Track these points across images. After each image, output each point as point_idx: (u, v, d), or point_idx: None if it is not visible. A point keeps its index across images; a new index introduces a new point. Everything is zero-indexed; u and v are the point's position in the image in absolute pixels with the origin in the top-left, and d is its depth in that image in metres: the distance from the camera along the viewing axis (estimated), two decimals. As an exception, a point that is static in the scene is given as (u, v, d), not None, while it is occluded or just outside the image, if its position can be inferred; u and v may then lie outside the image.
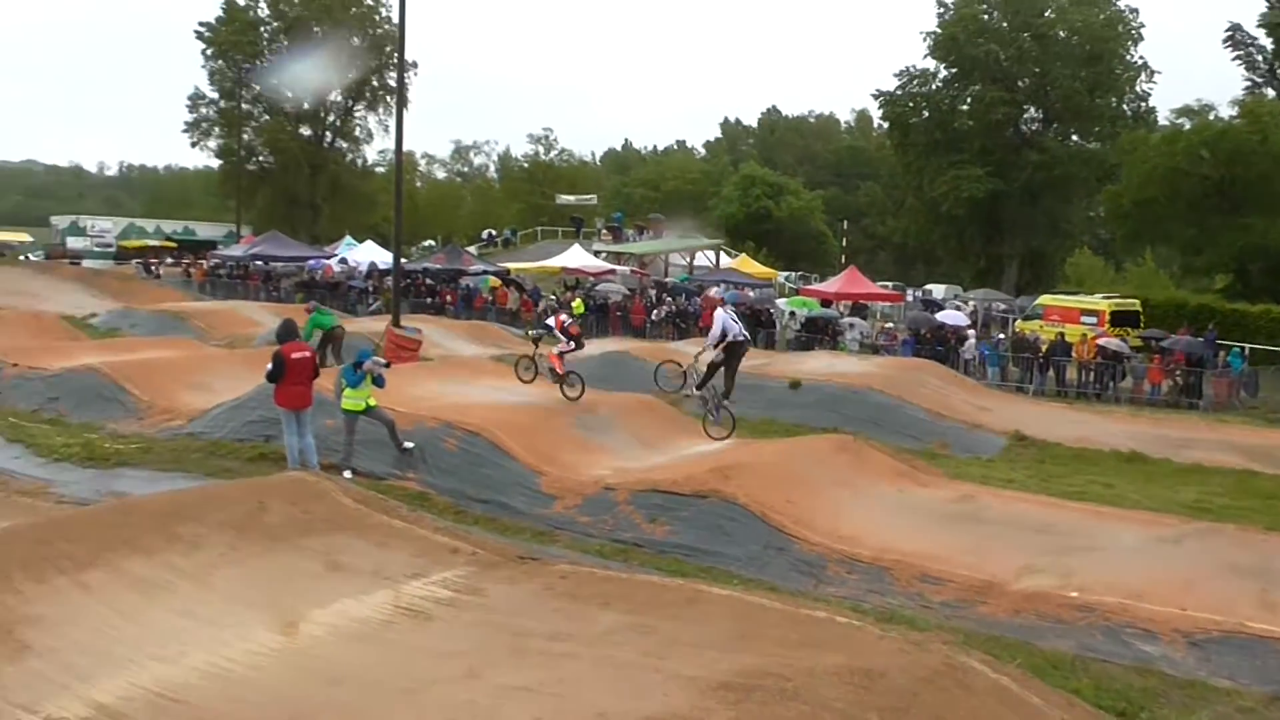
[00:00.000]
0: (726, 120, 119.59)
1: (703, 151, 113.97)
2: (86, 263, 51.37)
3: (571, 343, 15.89)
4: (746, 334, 15.06)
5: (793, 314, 37.64)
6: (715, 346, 14.36)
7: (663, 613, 7.38)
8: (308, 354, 12.94)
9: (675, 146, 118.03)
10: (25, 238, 63.12)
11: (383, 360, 13.90)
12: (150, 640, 6.66)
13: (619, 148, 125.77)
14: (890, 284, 52.53)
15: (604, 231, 59.20)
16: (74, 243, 59.83)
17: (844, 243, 70.00)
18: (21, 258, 51.61)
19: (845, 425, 17.64)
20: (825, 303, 37.33)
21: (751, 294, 40.48)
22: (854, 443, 14.78)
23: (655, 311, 36.81)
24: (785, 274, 56.74)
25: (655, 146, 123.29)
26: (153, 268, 50.63)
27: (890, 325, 35.64)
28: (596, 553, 10.57)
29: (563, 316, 16.55)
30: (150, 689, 5.98)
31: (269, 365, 12.69)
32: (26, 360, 18.19)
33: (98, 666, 6.23)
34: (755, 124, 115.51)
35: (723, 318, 14.34)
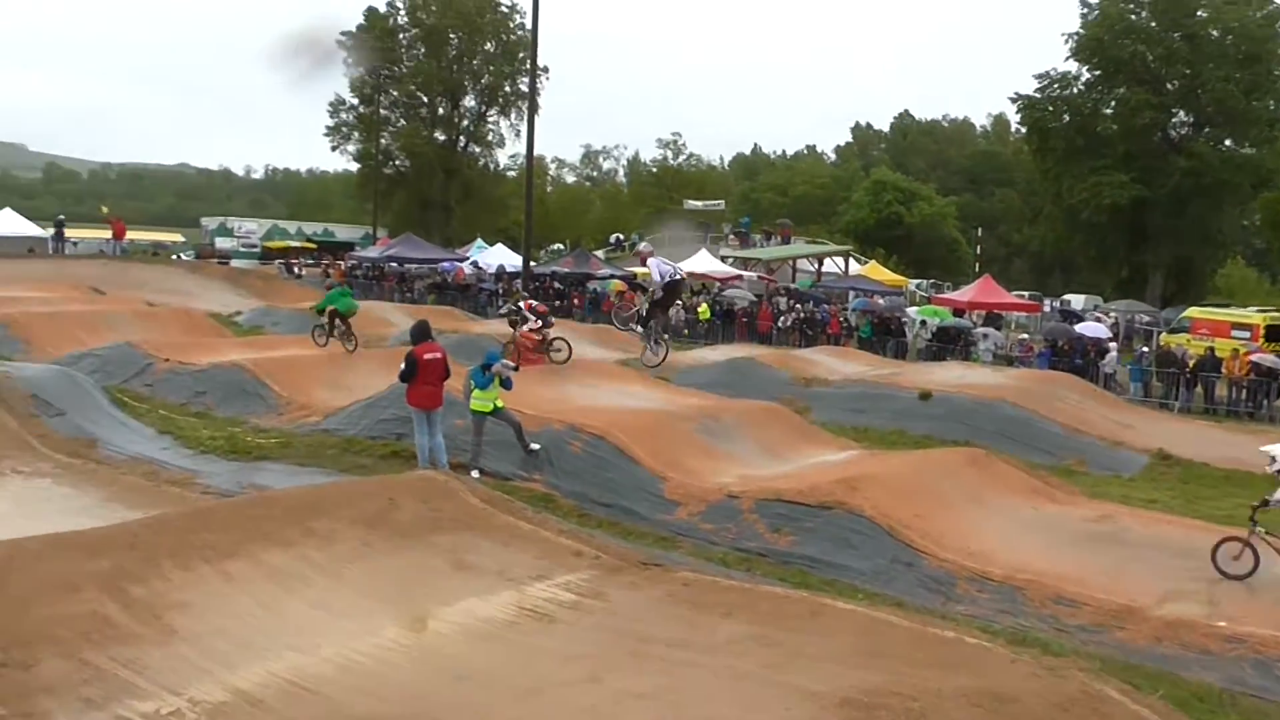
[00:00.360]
0: (858, 124, 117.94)
1: (833, 156, 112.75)
2: (234, 262, 53.53)
3: (539, 320, 18.11)
4: (681, 273, 17.85)
5: (923, 323, 36.86)
6: (656, 288, 16.82)
7: (786, 625, 7.30)
8: (439, 355, 13.16)
9: (805, 151, 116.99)
10: (178, 238, 66.22)
11: (511, 363, 14.10)
12: (286, 630, 6.88)
13: (748, 152, 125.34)
14: (1026, 293, 51.10)
15: (731, 237, 59.05)
16: (222, 243, 62.44)
17: (978, 250, 68.38)
18: (174, 257, 54.04)
19: (976, 438, 17.19)
20: (958, 312, 36.49)
21: (881, 301, 39.84)
22: (985, 457, 14.39)
23: (782, 318, 36.52)
24: (916, 282, 55.74)
25: (784, 151, 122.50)
26: (294, 268, 52.47)
27: (1026, 336, 34.54)
28: (719, 561, 10.51)
29: (531, 300, 19.21)
30: (286, 678, 6.18)
31: (402, 365, 12.98)
32: (177, 355, 18.99)
33: (237, 653, 6.46)
34: (887, 128, 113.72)
35: (656, 264, 16.89)
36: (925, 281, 57.87)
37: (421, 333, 13.50)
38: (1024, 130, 60.67)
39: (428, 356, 12.96)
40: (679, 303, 17.59)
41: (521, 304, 18.46)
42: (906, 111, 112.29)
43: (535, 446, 13.19)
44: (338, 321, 20.42)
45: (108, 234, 43.13)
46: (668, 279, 16.63)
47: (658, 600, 7.93)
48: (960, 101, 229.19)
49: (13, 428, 13.24)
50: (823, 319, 35.89)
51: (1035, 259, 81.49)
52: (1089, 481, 15.63)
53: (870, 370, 24.13)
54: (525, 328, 17.91)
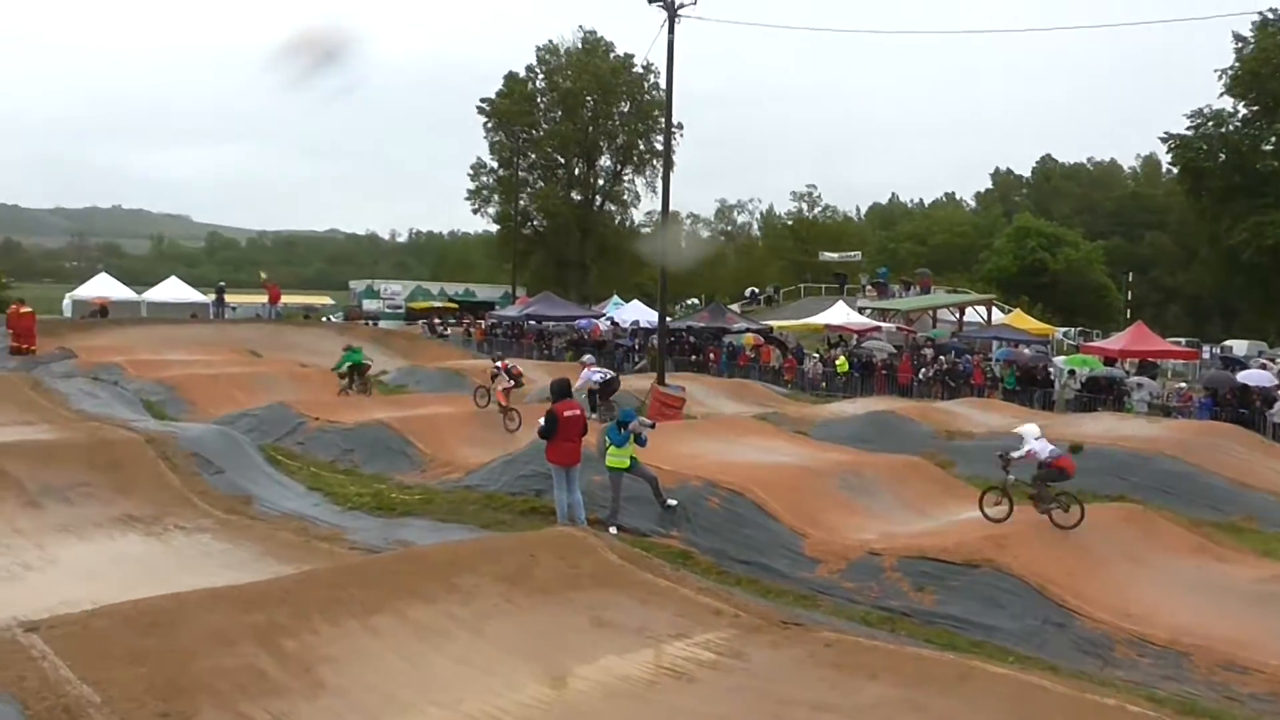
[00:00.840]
0: (997, 170, 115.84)
1: (972, 204, 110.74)
2: (381, 323, 55.33)
3: (512, 381, 20.28)
4: (611, 375, 22.11)
5: (1072, 373, 35.60)
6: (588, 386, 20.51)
7: (933, 688, 7.06)
8: (578, 412, 13.32)
9: (943, 199, 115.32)
10: (328, 301, 68.87)
11: (648, 420, 14.15)
12: (430, 685, 6.98)
13: (884, 201, 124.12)
14: (1183, 340, 48.91)
15: (869, 288, 58.35)
16: (368, 305, 64.66)
17: (1128, 296, 65.82)
18: (325, 319, 56.23)
19: (1133, 493, 16.50)
20: (1109, 360, 35.13)
21: (1026, 351, 38.67)
22: (1143, 513, 13.77)
23: (923, 370, 35.79)
24: (1063, 330, 53.98)
25: (921, 200, 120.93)
26: (437, 327, 53.96)
27: (1184, 385, 33.06)
28: (861, 620, 10.26)
29: (508, 362, 21.22)
30: (429, 734, 6.26)
31: (541, 422, 13.17)
32: (326, 415, 19.68)
33: (383, 707, 6.59)
34: (1028, 173, 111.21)
35: (586, 375, 20.93)
36: (1073, 329, 55.97)
37: (561, 390, 13.70)
38: (1176, 170, 58.43)
39: (567, 413, 13.12)
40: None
41: (499, 364, 20.79)
42: (1049, 155, 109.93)
43: (672, 503, 13.18)
44: (356, 376, 23.77)
45: (264, 298, 45.17)
46: (600, 382, 20.94)
47: (799, 661, 7.78)
48: (1105, 143, 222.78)
49: (176, 485, 13.87)
50: (965, 370, 35.03)
51: (1191, 303, 78.22)
52: (1259, 540, 14.76)
53: (1017, 422, 23.30)
54: (500, 386, 20.21)
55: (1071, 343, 49.19)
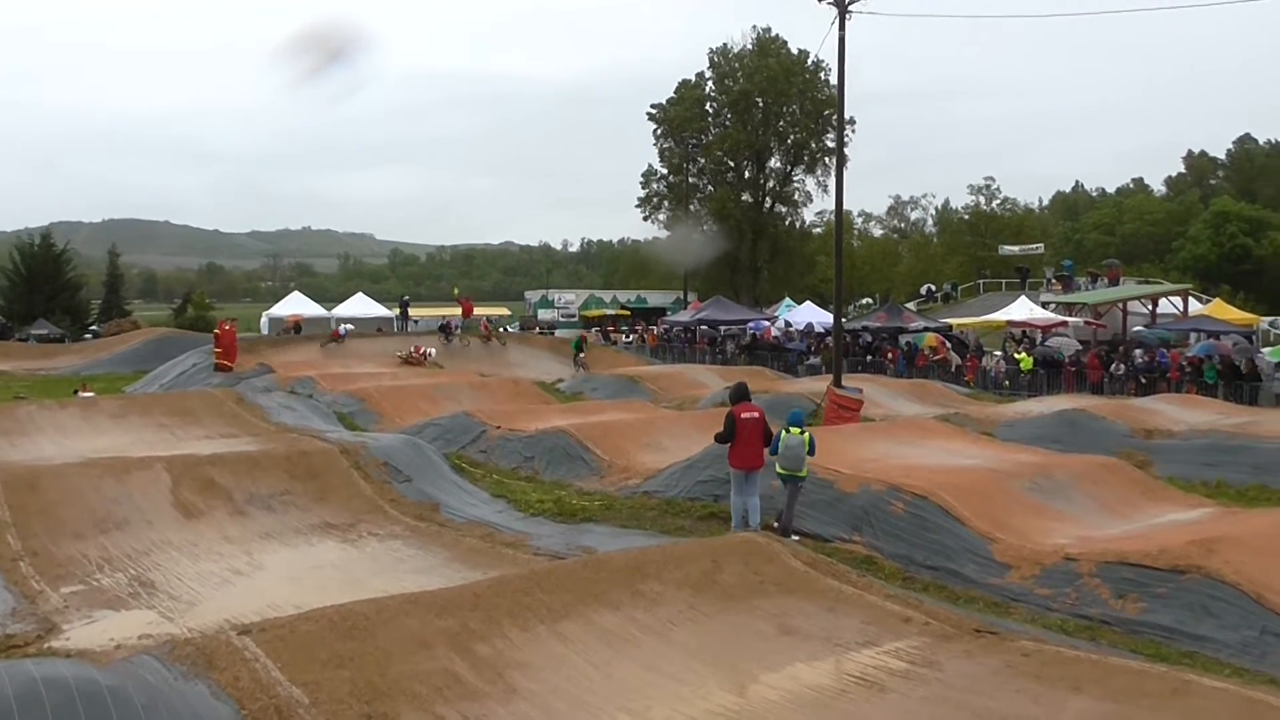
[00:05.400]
0: (1190, 153, 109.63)
1: (1163, 189, 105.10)
2: (557, 333, 56.49)
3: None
4: None
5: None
6: None
7: (1144, 703, 6.66)
8: (757, 415, 13.20)
9: (1131, 185, 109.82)
10: (505, 312, 70.77)
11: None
12: (618, 691, 7.02)
13: (1067, 190, 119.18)
14: None
15: (1053, 281, 56.06)
16: (543, 314, 66.11)
17: (1347, 280, 61.22)
18: (502, 329, 57.81)
19: (1359, 493, 15.26)
20: (1322, 350, 32.72)
21: (1228, 343, 36.38)
22: (1372, 514, 12.70)
23: (1114, 366, 34.11)
24: (1269, 319, 50.55)
25: (1104, 189, 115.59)
26: (610, 335, 54.69)
27: None
28: (1058, 628, 9.80)
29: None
30: (619, 740, 6.29)
31: (721, 427, 13.15)
32: (508, 423, 20.17)
33: (573, 713, 6.65)
34: (1224, 155, 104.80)
35: None
36: (1281, 319, 52.39)
37: (739, 394, 13.66)
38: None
39: (745, 416, 13.05)
40: None
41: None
42: (1248, 134, 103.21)
43: (796, 538, 12.38)
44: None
45: (445, 311, 46.78)
46: None
47: (995, 671, 7.47)
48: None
49: (368, 494, 14.45)
50: (1162, 365, 33.21)
51: None
52: None
53: (1220, 419, 22.02)
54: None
55: (1279, 333, 46.07)
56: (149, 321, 56.56)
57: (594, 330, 58.12)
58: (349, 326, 40.10)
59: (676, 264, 60.91)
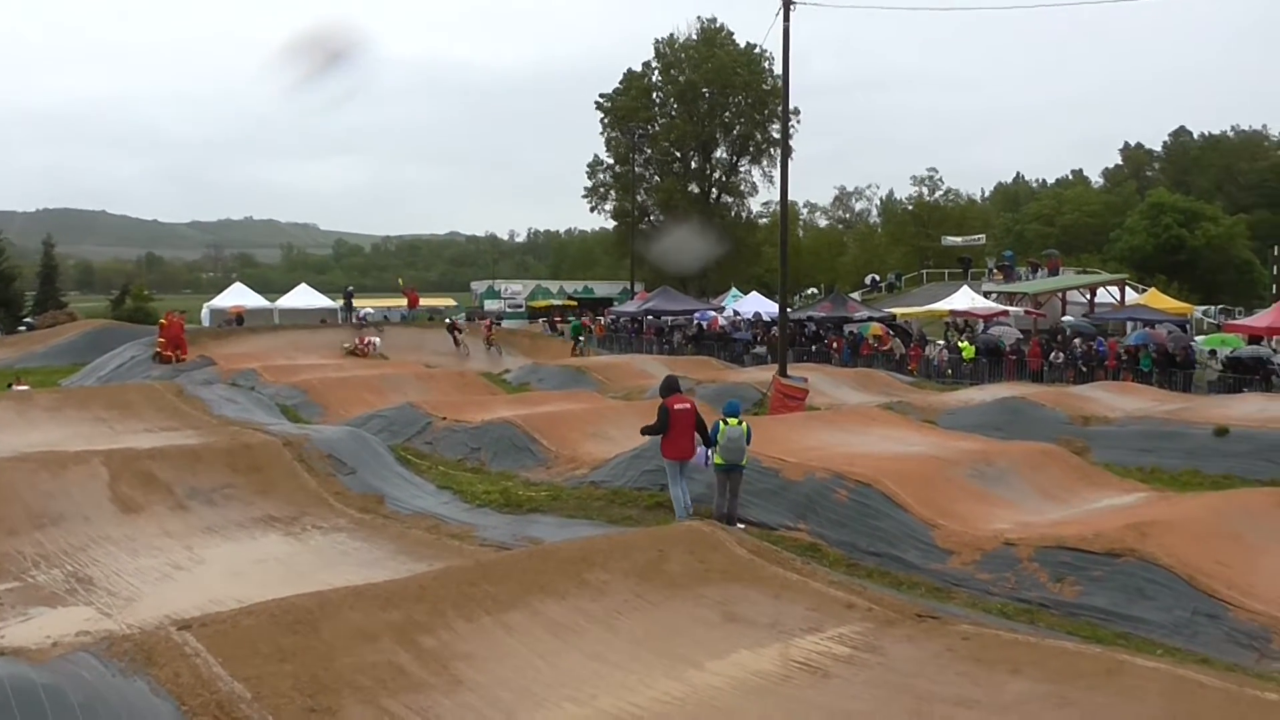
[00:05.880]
0: (1127, 145, 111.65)
1: (1101, 181, 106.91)
2: (504, 323, 56.27)
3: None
4: None
5: (1213, 353, 34.11)
6: None
7: (1080, 684, 6.80)
8: (689, 406, 13.38)
9: (1070, 177, 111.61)
10: (450, 303, 70.33)
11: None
12: (564, 681, 7.02)
13: (1009, 181, 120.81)
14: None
15: (994, 271, 56.86)
16: (490, 305, 65.76)
17: (1275, 271, 62.64)
18: (448, 320, 57.38)
19: (1286, 477, 15.67)
20: (1254, 339, 33.48)
21: (1164, 332, 37.15)
22: (1298, 497, 13.04)
23: (1054, 354, 34.69)
24: (1202, 308, 51.69)
25: (1045, 180, 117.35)
26: (557, 325, 54.56)
27: (1336, 362, 31.23)
28: (998, 612, 9.98)
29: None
30: (565, 729, 6.29)
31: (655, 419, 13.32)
32: (453, 414, 20.04)
33: (518, 703, 6.65)
34: (1160, 147, 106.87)
35: None
36: (1213, 308, 53.56)
37: (670, 387, 13.87)
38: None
39: (678, 408, 13.25)
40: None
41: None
42: (1183, 127, 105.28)
43: (741, 526, 12.62)
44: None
45: (389, 302, 46.38)
46: None
47: (936, 655, 7.58)
48: (1250, 111, 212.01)
49: (312, 486, 14.30)
50: (1100, 353, 33.84)
51: (1346, 276, 74.02)
52: None
53: (1155, 406, 22.50)
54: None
55: (1212, 321, 47.11)
56: (86, 314, 55.44)
57: (540, 321, 57.96)
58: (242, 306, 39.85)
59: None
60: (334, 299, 54.42)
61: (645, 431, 13.75)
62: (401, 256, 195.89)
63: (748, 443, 13.04)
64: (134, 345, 31.76)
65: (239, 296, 53.86)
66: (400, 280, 56.60)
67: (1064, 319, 42.96)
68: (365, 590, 8.04)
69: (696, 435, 13.22)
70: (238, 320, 44.60)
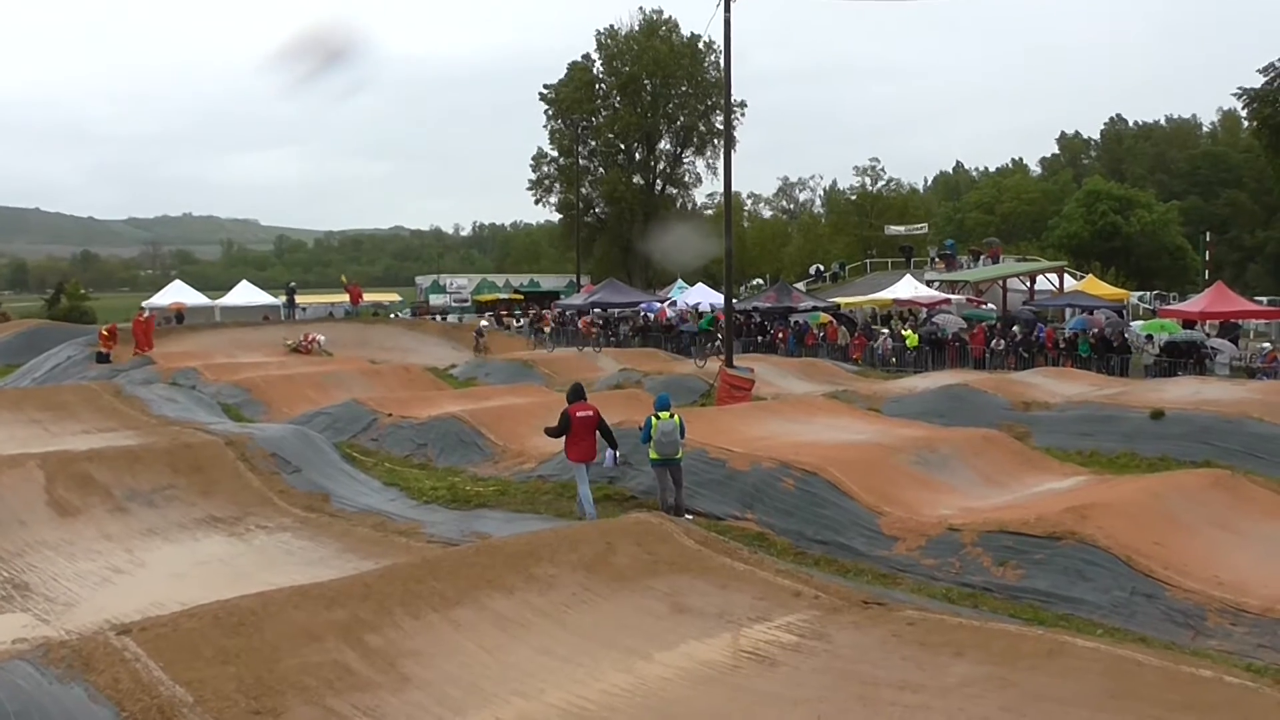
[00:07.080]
0: (1064, 134, 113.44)
1: (1039, 170, 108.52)
2: (450, 318, 55.88)
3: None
4: None
5: (1149, 338, 34.78)
6: None
7: (1021, 664, 6.92)
8: (591, 413, 13.50)
9: (1009, 165, 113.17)
10: (395, 297, 69.68)
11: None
12: (512, 676, 7.01)
13: (949, 170, 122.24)
14: (1265, 299, 47.43)
15: (936, 260, 57.50)
16: (435, 299, 65.24)
17: (1207, 256, 64.01)
18: (393, 316, 56.89)
19: (1219, 459, 16.02)
20: (1188, 324, 34.21)
21: (1101, 317, 37.83)
22: (1231, 478, 13.37)
23: (994, 341, 35.17)
24: (1138, 294, 52.68)
25: (986, 168, 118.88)
26: (503, 319, 54.27)
27: (1268, 346, 32.07)
28: (943, 597, 10.12)
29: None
30: (513, 724, 6.28)
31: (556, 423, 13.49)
32: (400, 410, 19.90)
33: (466, 699, 6.62)
34: (1097, 135, 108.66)
35: None
36: (1149, 294, 54.60)
37: (576, 394, 14.01)
38: (1254, 126, 56.37)
39: (580, 415, 13.39)
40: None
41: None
42: (1118, 115, 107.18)
43: (689, 517, 12.56)
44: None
45: (333, 298, 45.88)
46: None
47: (882, 640, 7.67)
48: (1182, 100, 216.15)
49: (256, 485, 14.13)
50: (1039, 340, 34.37)
51: (1273, 262, 75.98)
52: (1354, 501, 14.24)
53: (1094, 390, 22.88)
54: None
55: (1148, 307, 48.01)
56: (19, 314, 54.36)
57: (488, 315, 57.64)
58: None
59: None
60: (276, 296, 53.69)
61: (548, 433, 13.87)
62: (345, 252, 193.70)
63: (682, 435, 13.08)
64: (70, 345, 31.16)
65: (178, 294, 52.94)
66: (344, 277, 55.86)
67: (1022, 307, 43.40)
68: (309, 590, 7.96)
69: (601, 438, 13.43)
70: (177, 318, 43.86)
